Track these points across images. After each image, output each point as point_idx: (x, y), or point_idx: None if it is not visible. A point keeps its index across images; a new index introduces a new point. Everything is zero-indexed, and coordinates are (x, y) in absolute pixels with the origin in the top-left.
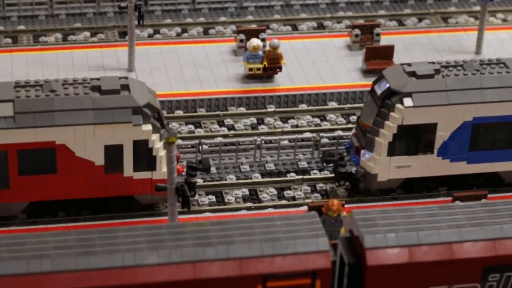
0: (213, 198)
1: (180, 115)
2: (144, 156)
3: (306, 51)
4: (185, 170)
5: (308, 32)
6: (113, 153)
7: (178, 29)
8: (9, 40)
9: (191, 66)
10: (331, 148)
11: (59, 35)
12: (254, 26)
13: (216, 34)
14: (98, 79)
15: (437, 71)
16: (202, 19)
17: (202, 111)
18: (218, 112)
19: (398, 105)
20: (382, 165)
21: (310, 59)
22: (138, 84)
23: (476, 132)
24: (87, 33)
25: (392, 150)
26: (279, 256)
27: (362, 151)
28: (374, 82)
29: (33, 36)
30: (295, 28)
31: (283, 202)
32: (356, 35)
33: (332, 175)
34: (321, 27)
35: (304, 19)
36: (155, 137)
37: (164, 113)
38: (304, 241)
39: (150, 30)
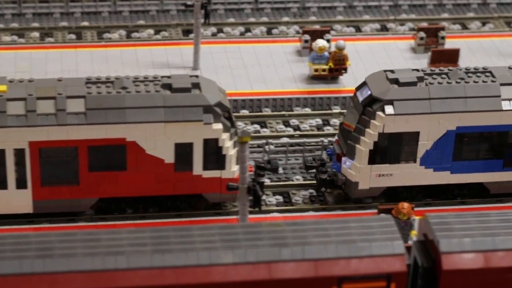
0: (280, 198)
1: (246, 115)
2: (213, 154)
3: (370, 53)
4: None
5: (372, 34)
6: (183, 151)
7: (242, 28)
8: (73, 36)
9: (255, 65)
10: (313, 154)
11: (122, 32)
12: (318, 27)
13: (279, 34)
14: (169, 77)
15: (421, 79)
16: (265, 19)
17: (267, 111)
18: (283, 112)
19: (379, 113)
20: (363, 173)
21: (375, 61)
22: (208, 83)
23: (459, 142)
24: (151, 31)
25: (373, 158)
26: (355, 258)
27: (343, 159)
28: (357, 89)
29: (97, 33)
30: (358, 29)
31: (351, 204)
32: (421, 38)
33: None
34: (384, 29)
35: (367, 21)
36: (225, 136)
37: None
38: (380, 244)
39: (213, 29)
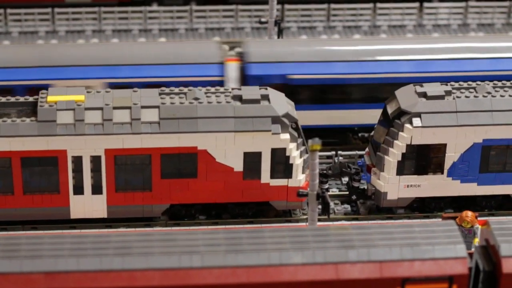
0: (348, 207)
1: None
2: (281, 164)
3: None
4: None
5: None
6: (252, 160)
7: None
8: None
9: None
10: (348, 161)
11: None
12: None
13: None
14: (239, 88)
15: (448, 93)
16: (336, 36)
17: None
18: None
19: (407, 125)
20: (392, 183)
21: None
22: (277, 95)
23: (486, 154)
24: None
25: (402, 169)
26: (418, 260)
27: (373, 169)
28: (387, 102)
29: None
30: None
31: (416, 213)
32: None
33: None
34: None
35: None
36: (292, 145)
37: None
38: (443, 247)
39: None
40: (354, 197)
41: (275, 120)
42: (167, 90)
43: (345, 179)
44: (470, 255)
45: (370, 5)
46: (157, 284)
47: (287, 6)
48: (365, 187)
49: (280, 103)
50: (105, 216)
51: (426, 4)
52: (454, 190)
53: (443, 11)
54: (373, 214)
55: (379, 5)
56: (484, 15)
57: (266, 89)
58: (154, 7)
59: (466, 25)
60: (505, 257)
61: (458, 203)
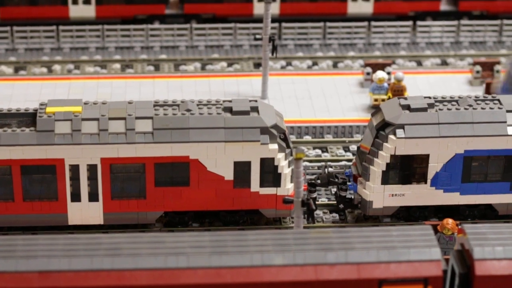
0: (336, 216)
1: (308, 140)
2: (270, 173)
3: (429, 85)
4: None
5: (432, 68)
6: (242, 169)
7: (309, 62)
8: (151, 68)
9: (320, 96)
10: (336, 171)
11: (197, 65)
12: (380, 60)
13: (344, 68)
14: (230, 101)
15: (431, 105)
16: (331, 53)
17: (329, 137)
18: (344, 139)
19: (391, 136)
20: (377, 192)
21: (433, 93)
22: (266, 107)
23: (468, 164)
24: (224, 64)
25: (386, 179)
26: (394, 262)
27: (359, 179)
28: (372, 114)
29: (174, 65)
30: (419, 64)
31: (401, 222)
32: (477, 72)
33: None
34: (444, 63)
35: (429, 56)
36: (280, 155)
37: (293, 138)
38: (418, 250)
39: (283, 62)
40: (341, 206)
41: (264, 131)
42: (161, 101)
43: (334, 189)
44: (447, 259)
45: (365, 23)
46: (145, 283)
47: (284, 24)
48: (352, 196)
49: (269, 114)
50: (102, 222)
51: (419, 23)
52: (438, 199)
53: (436, 29)
54: (360, 223)
55: (373, 23)
56: (476, 33)
57: (256, 101)
58: (156, 25)
59: (459, 43)
60: (478, 260)
61: (442, 212)
